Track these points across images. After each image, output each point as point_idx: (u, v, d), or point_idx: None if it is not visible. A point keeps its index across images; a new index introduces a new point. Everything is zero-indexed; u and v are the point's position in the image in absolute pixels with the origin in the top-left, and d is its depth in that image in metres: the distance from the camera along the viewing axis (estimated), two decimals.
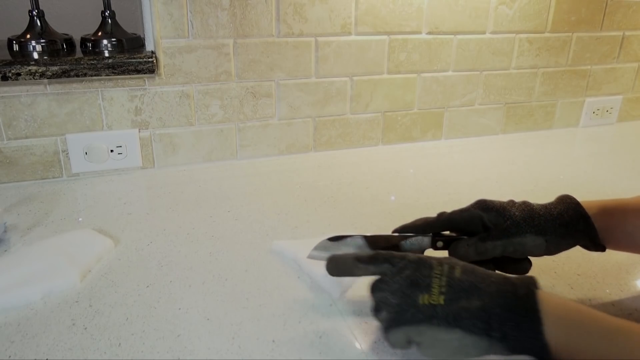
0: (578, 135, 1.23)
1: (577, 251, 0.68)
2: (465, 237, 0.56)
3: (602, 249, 0.55)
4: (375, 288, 0.48)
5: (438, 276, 0.45)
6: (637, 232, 0.54)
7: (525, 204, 0.55)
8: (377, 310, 0.47)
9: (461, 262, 0.47)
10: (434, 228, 0.57)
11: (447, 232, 0.58)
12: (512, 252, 0.53)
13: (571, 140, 1.19)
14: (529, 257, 0.55)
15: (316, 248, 0.57)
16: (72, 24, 1.00)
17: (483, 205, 0.56)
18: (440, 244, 0.56)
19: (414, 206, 0.81)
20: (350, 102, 1.03)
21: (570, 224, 0.53)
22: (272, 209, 0.79)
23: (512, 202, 0.56)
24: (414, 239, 0.56)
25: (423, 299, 0.44)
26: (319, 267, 0.58)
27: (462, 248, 0.54)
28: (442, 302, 0.43)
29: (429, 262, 0.46)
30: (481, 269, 0.46)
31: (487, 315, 0.42)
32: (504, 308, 0.42)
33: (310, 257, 0.57)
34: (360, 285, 0.58)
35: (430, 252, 0.54)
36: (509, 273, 0.54)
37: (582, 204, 0.54)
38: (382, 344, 0.49)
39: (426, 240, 0.56)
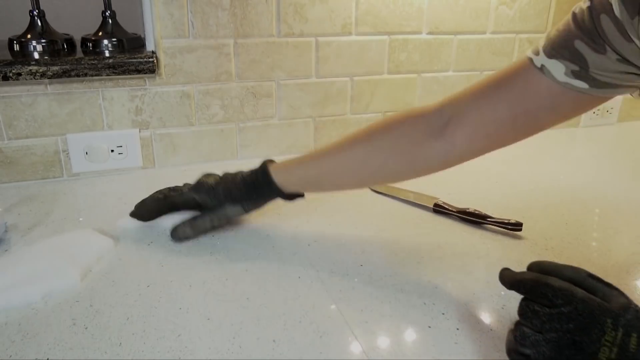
0: (578, 135, 1.23)
1: (577, 251, 0.68)
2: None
3: (290, 198, 0.67)
4: (526, 317, 0.41)
5: (608, 345, 0.38)
6: (312, 180, 0.65)
7: (232, 178, 0.66)
8: (521, 343, 0.41)
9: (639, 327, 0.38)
10: (161, 207, 0.68)
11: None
12: (220, 223, 0.67)
13: (571, 140, 1.19)
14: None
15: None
16: (72, 24, 1.00)
17: (196, 187, 0.67)
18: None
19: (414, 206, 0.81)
20: (350, 102, 1.03)
21: (260, 189, 0.65)
22: (272, 209, 0.79)
23: (224, 177, 0.67)
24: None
25: None
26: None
27: (181, 229, 0.66)
28: None
29: (602, 321, 0.39)
30: None
31: None
32: None
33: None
34: (359, 286, 0.59)
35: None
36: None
37: (273, 167, 0.65)
38: (382, 343, 0.50)
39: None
